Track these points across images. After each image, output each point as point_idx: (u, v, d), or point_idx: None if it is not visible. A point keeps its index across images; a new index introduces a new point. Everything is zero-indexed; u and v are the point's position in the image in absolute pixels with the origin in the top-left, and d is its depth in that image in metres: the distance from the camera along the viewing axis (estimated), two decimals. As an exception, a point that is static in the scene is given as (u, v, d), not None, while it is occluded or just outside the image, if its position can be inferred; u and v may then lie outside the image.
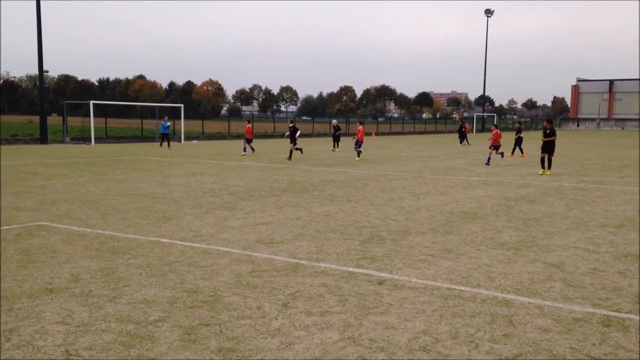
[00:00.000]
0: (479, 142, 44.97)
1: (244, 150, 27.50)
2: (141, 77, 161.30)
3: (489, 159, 23.05)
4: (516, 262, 7.37)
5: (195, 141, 41.69)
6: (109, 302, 5.64)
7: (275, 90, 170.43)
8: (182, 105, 44.06)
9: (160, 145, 32.31)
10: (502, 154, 23.56)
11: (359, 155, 25.61)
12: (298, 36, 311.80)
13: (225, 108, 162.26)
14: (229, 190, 14.17)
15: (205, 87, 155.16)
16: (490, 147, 23.48)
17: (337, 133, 32.50)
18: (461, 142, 40.46)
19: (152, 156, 25.53)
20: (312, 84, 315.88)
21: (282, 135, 52.30)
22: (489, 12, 78.27)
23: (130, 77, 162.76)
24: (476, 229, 9.57)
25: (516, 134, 27.64)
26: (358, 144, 25.85)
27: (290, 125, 25.62)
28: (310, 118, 72.89)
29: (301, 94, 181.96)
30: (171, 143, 33.44)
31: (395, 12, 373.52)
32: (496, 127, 24.13)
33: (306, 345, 4.65)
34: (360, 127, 26.27)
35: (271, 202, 12.24)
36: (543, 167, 19.20)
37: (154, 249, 7.83)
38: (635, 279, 6.66)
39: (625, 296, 5.99)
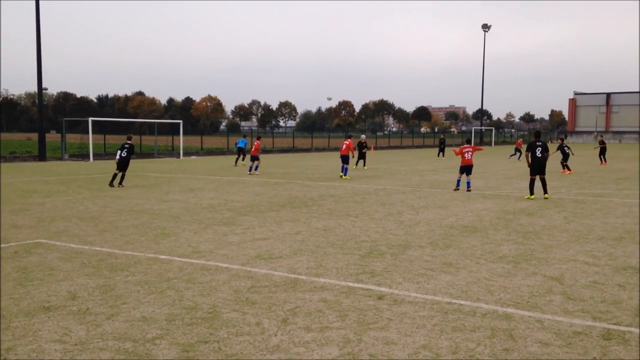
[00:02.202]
0: (478, 156, 45.02)
1: (250, 170, 26.45)
2: (140, 93, 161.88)
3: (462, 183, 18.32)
4: (516, 276, 7.35)
5: (194, 157, 41.74)
6: (106, 319, 5.61)
7: (274, 106, 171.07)
8: (181, 121, 44.22)
9: (236, 163, 31.41)
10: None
11: (345, 174, 22.96)
12: (297, 51, 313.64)
13: (224, 123, 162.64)
14: (228, 205, 14.16)
15: (204, 103, 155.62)
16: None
17: (362, 150, 29.57)
18: (438, 155, 40.66)
19: (151, 172, 25.53)
20: (311, 99, 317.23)
21: (280, 151, 52.37)
22: (486, 27, 78.92)
23: (129, 93, 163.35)
24: (475, 243, 9.55)
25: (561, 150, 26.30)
26: (342, 159, 23.16)
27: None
28: (309, 134, 73.15)
29: (300, 109, 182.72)
30: (170, 159, 33.43)
31: (394, 27, 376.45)
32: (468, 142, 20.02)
33: (305, 362, 4.61)
34: (346, 141, 23.48)
35: (270, 217, 12.23)
36: (532, 191, 15.84)
37: (152, 266, 7.80)
38: (635, 291, 6.64)
39: (625, 309, 5.96)
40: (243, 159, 31.75)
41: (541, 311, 5.90)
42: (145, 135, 51.43)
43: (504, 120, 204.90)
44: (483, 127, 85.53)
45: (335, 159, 39.81)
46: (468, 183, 17.63)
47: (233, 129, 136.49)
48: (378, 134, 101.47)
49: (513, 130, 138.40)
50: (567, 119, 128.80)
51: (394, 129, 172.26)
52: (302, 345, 4.96)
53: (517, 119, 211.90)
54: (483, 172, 25.83)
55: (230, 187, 18.99)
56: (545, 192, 15.76)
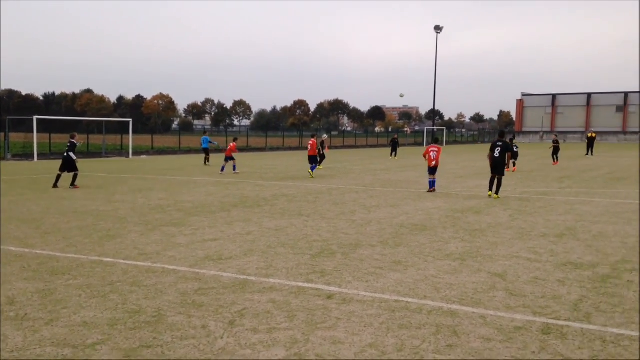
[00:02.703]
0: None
1: (222, 170, 26.14)
2: (88, 91, 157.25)
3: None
4: (462, 273, 7.50)
5: (145, 156, 40.88)
6: (45, 325, 5.41)
7: (229, 104, 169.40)
8: (130, 119, 43.17)
9: (205, 162, 31.04)
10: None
11: (312, 170, 23.83)
12: (252, 50, 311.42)
13: (176, 122, 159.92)
14: (177, 206, 13.92)
15: (155, 101, 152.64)
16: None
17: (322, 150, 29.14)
18: (391, 155, 41.01)
19: (98, 172, 24.86)
20: (266, 98, 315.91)
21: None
22: (438, 29, 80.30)
23: (77, 91, 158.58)
24: (424, 241, 9.70)
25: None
26: (310, 159, 24.04)
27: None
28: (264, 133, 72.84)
29: (255, 108, 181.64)
30: (118, 159, 32.64)
31: (349, 27, 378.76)
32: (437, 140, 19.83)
33: (251, 364, 4.57)
34: (311, 140, 24.31)
35: (221, 218, 12.09)
36: (491, 189, 16.18)
37: (96, 269, 7.59)
38: (573, 287, 6.88)
39: (564, 304, 6.17)
40: (207, 160, 31.32)
41: (484, 307, 6.04)
42: (94, 134, 50.08)
43: (456, 121, 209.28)
44: (435, 127, 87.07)
45: (289, 158, 39.75)
46: (432, 182, 17.51)
47: (186, 127, 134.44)
48: (333, 133, 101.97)
49: (464, 130, 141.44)
50: (515, 119, 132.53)
51: (349, 129, 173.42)
52: (249, 347, 4.91)
53: (467, 119, 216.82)
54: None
55: (180, 187, 18.68)
56: (497, 192, 15.87)
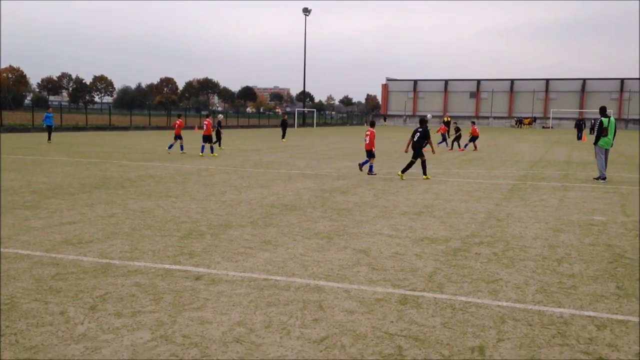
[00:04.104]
0: (300, 136, 46.57)
1: (170, 147, 25.00)
2: None
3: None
4: (329, 250, 7.79)
5: (-7, 134, 37.15)
6: None
7: (88, 80, 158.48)
8: (-26, 93, 38.90)
9: (49, 140, 29.56)
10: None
11: (202, 151, 23.88)
12: (114, 24, 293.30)
13: (29, 98, 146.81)
14: (31, 187, 12.89)
15: (4, 75, 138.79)
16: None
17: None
18: (283, 138, 41.33)
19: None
20: (130, 75, 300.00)
21: (95, 128, 48.89)
22: (306, 11, 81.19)
23: None
24: (294, 220, 9.91)
25: (456, 132, 32.12)
26: (205, 138, 23.98)
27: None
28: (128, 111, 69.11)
29: (117, 85, 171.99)
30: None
31: (218, 4, 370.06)
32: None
33: (114, 349, 4.42)
34: (207, 120, 24.37)
35: (81, 200, 11.40)
36: (404, 171, 16.75)
37: None
38: (429, 260, 7.44)
39: (420, 276, 6.66)
40: (49, 138, 29.97)
41: (349, 282, 6.34)
42: None
43: (325, 103, 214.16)
44: (306, 109, 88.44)
45: (156, 137, 38.31)
46: (364, 164, 17.98)
47: (40, 103, 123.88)
48: (203, 113, 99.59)
49: (333, 113, 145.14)
50: (380, 103, 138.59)
51: (220, 109, 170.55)
52: (112, 332, 4.74)
53: (337, 102, 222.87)
54: (304, 153, 26.80)
55: (35, 167, 17.29)
56: (424, 173, 16.90)
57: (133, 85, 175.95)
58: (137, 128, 52.89)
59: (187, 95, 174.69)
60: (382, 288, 6.15)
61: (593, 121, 57.63)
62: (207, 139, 23.92)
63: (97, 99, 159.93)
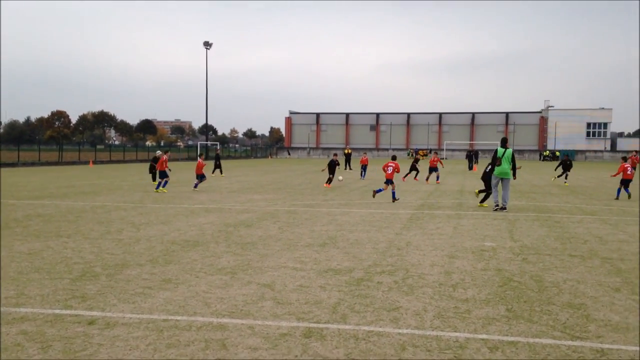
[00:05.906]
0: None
1: (158, 187, 23.13)
2: None
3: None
4: (232, 286, 7.64)
5: None
6: None
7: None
8: None
9: None
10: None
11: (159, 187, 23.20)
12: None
13: None
14: None
15: None
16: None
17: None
18: (213, 172, 38.12)
19: None
20: (18, 108, 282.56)
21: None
22: (207, 45, 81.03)
23: None
24: (196, 257, 9.64)
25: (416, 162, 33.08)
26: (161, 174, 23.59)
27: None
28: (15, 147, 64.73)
29: (4, 119, 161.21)
30: None
31: (115, 36, 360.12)
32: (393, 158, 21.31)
33: (-6, 407, 4.03)
34: (164, 156, 24.52)
35: (-41, 243, 10.45)
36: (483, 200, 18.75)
37: None
38: (333, 291, 7.49)
39: (324, 308, 6.68)
40: None
41: (253, 317, 6.24)
42: None
43: (229, 136, 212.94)
44: (209, 142, 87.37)
45: (46, 174, 36.17)
46: (378, 192, 20.28)
47: None
48: (98, 147, 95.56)
49: (237, 146, 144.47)
50: (284, 135, 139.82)
51: (117, 142, 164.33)
52: (-8, 389, 4.33)
53: (241, 135, 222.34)
54: (207, 186, 26.36)
55: None
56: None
57: (21, 119, 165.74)
58: (26, 164, 49.63)
59: (80, 128, 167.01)
60: (287, 322, 6.10)
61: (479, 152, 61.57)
62: (162, 174, 23.40)
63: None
